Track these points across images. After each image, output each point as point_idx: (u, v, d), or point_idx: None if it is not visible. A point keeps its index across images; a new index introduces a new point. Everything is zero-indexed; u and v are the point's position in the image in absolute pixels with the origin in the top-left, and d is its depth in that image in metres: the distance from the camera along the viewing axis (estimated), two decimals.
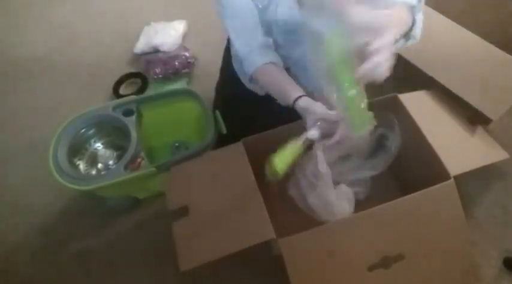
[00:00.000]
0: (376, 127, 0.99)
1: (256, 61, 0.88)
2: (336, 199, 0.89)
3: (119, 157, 1.22)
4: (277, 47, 0.98)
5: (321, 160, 0.90)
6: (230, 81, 1.14)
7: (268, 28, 0.92)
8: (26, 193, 1.32)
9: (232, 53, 1.08)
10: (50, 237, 1.22)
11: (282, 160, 0.70)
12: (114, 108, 1.15)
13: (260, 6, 0.87)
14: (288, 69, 1.11)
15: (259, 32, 0.89)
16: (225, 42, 1.17)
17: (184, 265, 0.73)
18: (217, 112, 1.12)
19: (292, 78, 1.09)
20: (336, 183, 0.95)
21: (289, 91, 0.81)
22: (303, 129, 0.96)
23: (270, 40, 0.91)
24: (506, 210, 1.18)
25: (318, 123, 0.73)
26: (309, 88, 1.14)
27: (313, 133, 0.71)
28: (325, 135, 0.73)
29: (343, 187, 0.95)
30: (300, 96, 0.79)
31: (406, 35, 0.76)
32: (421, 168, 0.92)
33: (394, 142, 0.97)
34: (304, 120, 0.77)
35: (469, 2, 1.69)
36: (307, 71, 1.10)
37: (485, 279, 1.06)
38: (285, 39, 0.95)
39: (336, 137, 0.71)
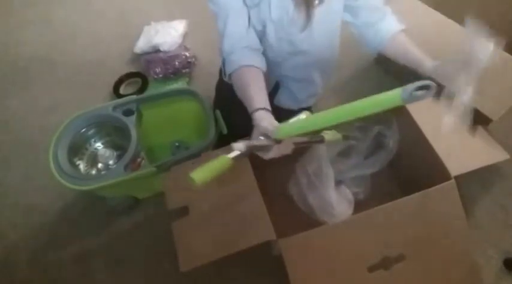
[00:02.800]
0: (373, 125, 0.99)
1: (235, 62, 0.86)
2: (336, 201, 0.89)
3: (119, 157, 1.22)
4: (270, 51, 0.97)
5: (325, 161, 0.90)
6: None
7: (263, 27, 0.91)
8: (26, 193, 1.32)
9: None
10: (50, 237, 1.22)
11: (203, 171, 0.66)
12: (114, 108, 1.15)
13: (250, 4, 0.85)
14: (277, 84, 1.12)
15: (246, 33, 0.88)
16: None
17: (184, 265, 0.73)
18: (218, 112, 1.12)
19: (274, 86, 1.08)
20: (337, 182, 0.95)
21: (253, 101, 0.80)
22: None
23: (257, 42, 0.90)
24: (507, 211, 1.18)
25: (260, 137, 0.72)
26: (297, 97, 1.15)
27: (237, 145, 0.69)
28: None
29: (343, 189, 0.96)
30: (258, 109, 0.78)
31: None
32: (422, 169, 0.92)
33: (392, 139, 0.97)
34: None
35: (470, 2, 1.69)
36: (297, 83, 1.10)
37: (485, 279, 1.06)
38: (278, 39, 0.94)
39: (270, 155, 0.72)
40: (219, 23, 0.88)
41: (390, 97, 0.52)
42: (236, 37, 0.87)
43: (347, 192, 0.95)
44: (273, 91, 1.15)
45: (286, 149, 0.73)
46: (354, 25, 0.97)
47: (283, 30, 0.91)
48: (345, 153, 0.98)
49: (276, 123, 0.75)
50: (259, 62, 0.88)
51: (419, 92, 0.49)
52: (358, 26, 0.97)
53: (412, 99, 0.49)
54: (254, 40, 0.89)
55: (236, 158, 0.67)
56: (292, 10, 0.86)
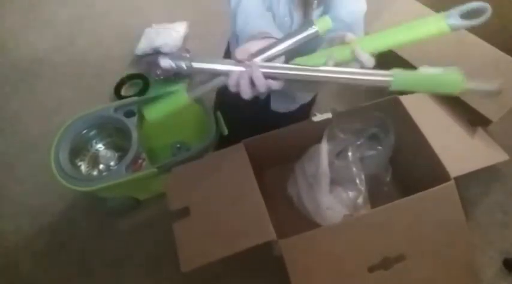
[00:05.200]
0: (370, 127, 0.99)
1: (250, 33, 0.76)
2: (328, 204, 0.90)
3: (120, 158, 1.22)
4: None
5: (323, 162, 0.90)
6: None
7: None
8: (28, 194, 1.32)
9: (232, 32, 1.00)
10: (51, 237, 1.23)
11: (156, 109, 0.62)
12: (116, 109, 1.16)
13: None
14: None
15: (261, 8, 0.84)
16: (226, 43, 1.17)
17: (185, 265, 0.73)
18: (219, 113, 1.13)
19: None
20: (333, 184, 0.95)
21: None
22: (304, 130, 0.97)
23: (270, 15, 0.85)
24: (506, 211, 1.18)
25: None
26: (294, 95, 1.12)
27: (163, 61, 0.56)
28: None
29: (339, 191, 0.96)
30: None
31: None
32: (422, 170, 0.93)
33: (388, 141, 0.97)
34: None
35: (469, 2, 1.69)
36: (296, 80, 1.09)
37: (484, 280, 1.06)
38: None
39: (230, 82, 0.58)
40: (232, 1, 0.83)
41: (432, 24, 0.48)
42: (250, 10, 0.81)
43: (343, 195, 0.96)
44: (269, 96, 1.15)
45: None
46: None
47: (285, 29, 0.91)
48: (342, 155, 0.99)
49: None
50: (276, 31, 0.78)
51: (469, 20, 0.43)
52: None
53: (461, 25, 0.45)
54: (269, 14, 0.84)
55: (193, 94, 0.58)
56: (293, 9, 0.87)
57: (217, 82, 0.59)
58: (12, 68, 1.73)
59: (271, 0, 0.86)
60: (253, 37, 0.71)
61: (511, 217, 1.17)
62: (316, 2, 0.84)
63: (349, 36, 0.57)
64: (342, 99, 1.45)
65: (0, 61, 1.75)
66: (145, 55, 1.68)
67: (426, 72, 0.58)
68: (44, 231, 1.24)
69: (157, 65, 0.58)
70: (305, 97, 1.21)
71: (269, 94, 1.15)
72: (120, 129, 1.16)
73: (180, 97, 0.58)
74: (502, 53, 1.20)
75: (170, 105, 0.60)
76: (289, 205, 1.02)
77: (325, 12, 0.86)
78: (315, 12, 0.86)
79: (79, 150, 1.18)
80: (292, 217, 0.99)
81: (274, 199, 0.99)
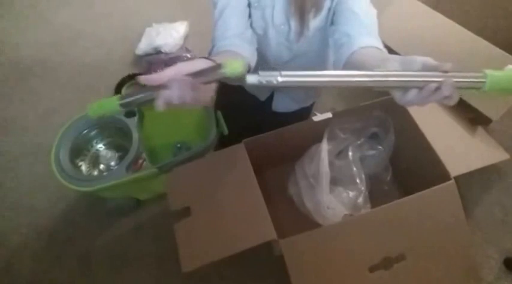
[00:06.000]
0: (370, 126, 0.99)
1: (221, 48, 0.78)
2: (329, 204, 0.90)
3: (120, 158, 1.22)
4: (270, 56, 0.97)
5: (323, 162, 0.90)
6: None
7: (264, 31, 0.91)
8: (28, 194, 1.32)
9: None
10: (51, 238, 1.23)
11: (98, 107, 0.59)
12: None
13: (255, 4, 0.84)
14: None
15: (242, 24, 0.83)
16: None
17: (186, 265, 0.73)
18: (219, 113, 1.13)
19: None
20: (334, 183, 0.95)
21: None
22: (304, 130, 0.97)
23: (252, 36, 0.85)
24: (507, 211, 1.18)
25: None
26: (296, 98, 1.14)
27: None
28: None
29: (340, 191, 0.96)
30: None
31: None
32: (422, 169, 0.93)
33: (388, 141, 0.97)
34: None
35: (470, 3, 1.70)
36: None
37: (485, 279, 1.06)
38: (278, 45, 0.94)
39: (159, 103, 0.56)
40: (215, 12, 0.83)
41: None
42: (230, 25, 0.81)
43: (343, 195, 0.96)
44: (270, 97, 1.16)
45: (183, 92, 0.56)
46: (334, 31, 0.84)
47: (283, 36, 0.91)
48: (342, 154, 0.99)
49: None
50: (248, 53, 0.80)
51: None
52: (339, 33, 0.82)
53: None
54: (249, 32, 0.85)
55: (124, 106, 0.57)
56: (290, 17, 0.86)
57: (148, 96, 0.58)
58: (12, 68, 1.73)
59: (263, 10, 0.86)
60: (218, 54, 0.74)
61: (511, 216, 1.17)
62: (314, 10, 0.83)
63: (447, 66, 0.56)
64: (342, 99, 1.45)
65: (0, 61, 1.75)
66: (146, 55, 1.68)
67: None
68: (44, 231, 1.24)
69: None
70: (307, 101, 1.21)
71: (272, 95, 1.15)
72: (121, 129, 1.16)
73: (112, 104, 0.58)
74: (502, 52, 1.20)
75: (105, 109, 0.59)
76: (290, 205, 1.02)
77: (329, 14, 0.86)
78: (312, 22, 0.86)
79: (79, 150, 1.18)
80: (293, 217, 0.99)
81: (275, 199, 1.00)
